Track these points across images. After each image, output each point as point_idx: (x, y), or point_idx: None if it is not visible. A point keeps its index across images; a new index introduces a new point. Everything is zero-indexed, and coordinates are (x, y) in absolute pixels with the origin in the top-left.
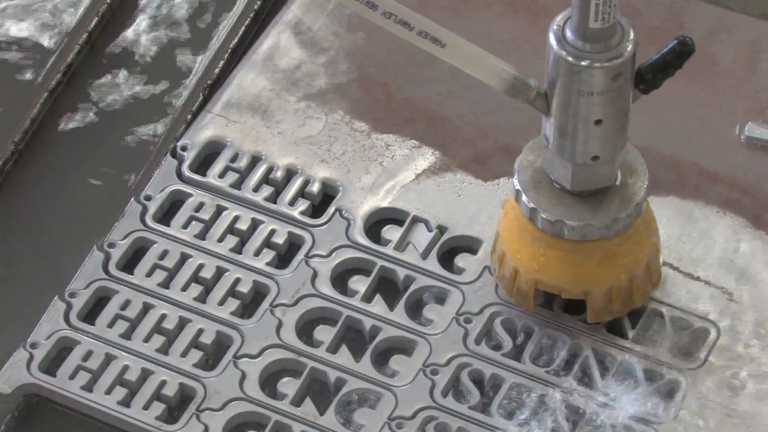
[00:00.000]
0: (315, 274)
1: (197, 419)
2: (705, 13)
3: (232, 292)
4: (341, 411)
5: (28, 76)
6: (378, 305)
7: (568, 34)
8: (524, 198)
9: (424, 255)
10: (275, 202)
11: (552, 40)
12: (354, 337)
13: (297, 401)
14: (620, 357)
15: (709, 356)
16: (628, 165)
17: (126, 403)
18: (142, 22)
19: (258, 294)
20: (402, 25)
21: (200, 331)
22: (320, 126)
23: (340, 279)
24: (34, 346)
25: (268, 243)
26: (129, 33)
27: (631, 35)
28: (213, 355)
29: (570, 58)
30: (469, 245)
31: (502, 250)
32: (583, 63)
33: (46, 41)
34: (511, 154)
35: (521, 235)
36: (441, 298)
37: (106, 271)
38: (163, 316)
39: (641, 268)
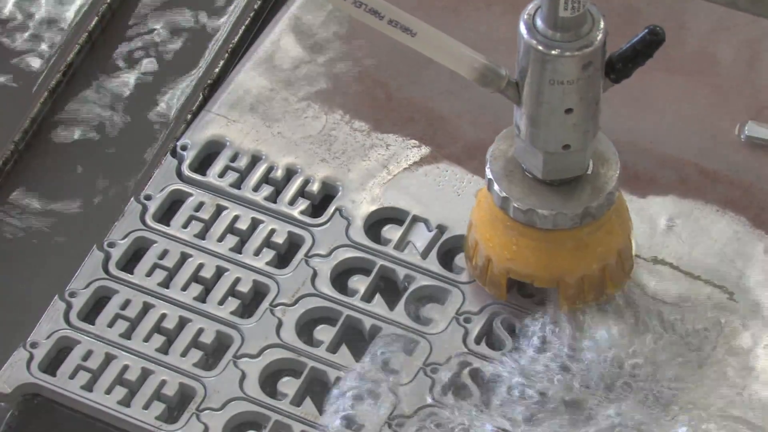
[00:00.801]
0: (315, 274)
1: (197, 419)
2: (705, 12)
3: (232, 292)
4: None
5: (29, 75)
6: (378, 305)
7: (539, 23)
8: (496, 187)
9: (424, 254)
10: (275, 202)
11: (522, 29)
12: (354, 337)
13: (297, 401)
14: (621, 355)
15: (710, 355)
16: (600, 154)
17: (126, 402)
18: (141, 21)
19: (258, 293)
20: (372, 14)
21: (200, 331)
22: (320, 126)
23: (340, 278)
24: (34, 345)
25: (268, 242)
26: (129, 32)
27: (602, 24)
28: (213, 354)
29: (540, 47)
30: None
31: (474, 239)
32: (553, 52)
33: (47, 41)
34: None
35: (493, 224)
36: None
37: (106, 270)
38: (163, 316)
39: (613, 257)
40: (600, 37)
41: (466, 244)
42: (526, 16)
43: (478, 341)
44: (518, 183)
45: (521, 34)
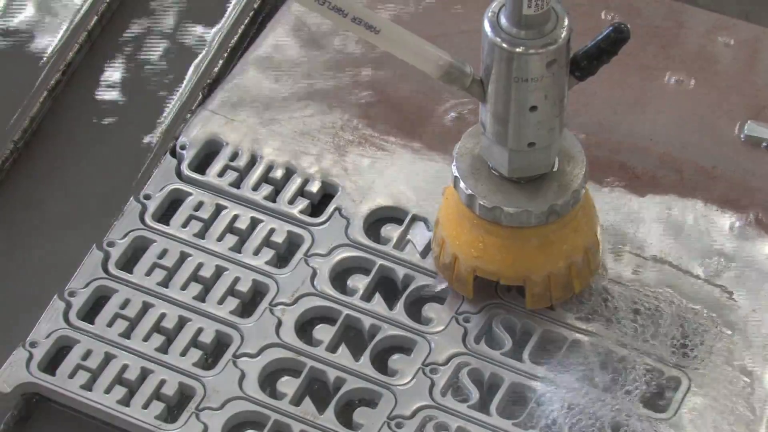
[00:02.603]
0: (314, 273)
1: (196, 418)
2: (705, 11)
3: (231, 291)
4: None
5: (28, 74)
6: (377, 304)
7: (503, 20)
8: (462, 185)
9: (424, 253)
10: (274, 201)
11: (486, 26)
12: (353, 336)
13: (296, 400)
14: (620, 355)
15: (709, 354)
16: (566, 152)
17: (125, 402)
18: (141, 21)
19: (257, 293)
20: (335, 12)
21: (200, 330)
22: (319, 124)
23: (340, 278)
24: (33, 345)
25: (267, 242)
26: (128, 32)
27: (566, 22)
28: (212, 354)
29: (504, 45)
30: None
31: (441, 237)
32: (517, 50)
33: (46, 40)
34: None
35: (460, 222)
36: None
37: (105, 270)
38: (163, 315)
39: (580, 254)
40: (564, 34)
41: (433, 241)
42: (490, 14)
43: (477, 341)
44: (484, 181)
45: (485, 32)
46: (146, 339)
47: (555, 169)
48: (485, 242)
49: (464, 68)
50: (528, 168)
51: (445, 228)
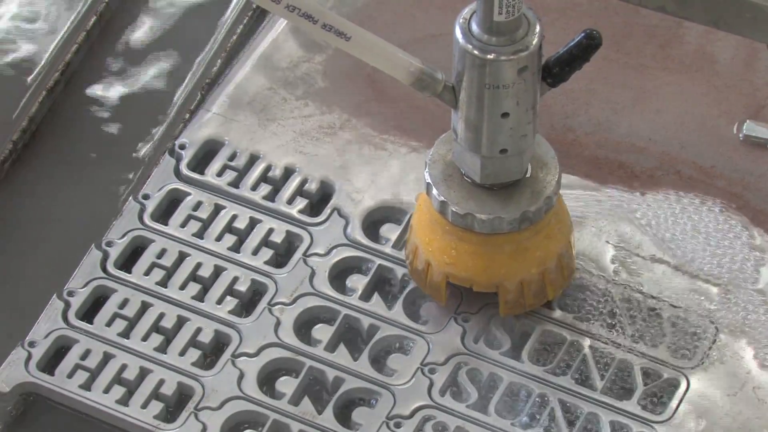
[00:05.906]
0: (313, 273)
1: (195, 418)
2: None
3: (230, 291)
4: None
5: (27, 75)
6: (376, 304)
7: (474, 27)
8: (434, 191)
9: None
10: (273, 201)
11: (458, 33)
12: (352, 336)
13: (295, 400)
14: (619, 356)
15: (708, 354)
16: (538, 158)
17: (124, 401)
18: (140, 21)
19: (256, 293)
20: (306, 19)
21: (198, 330)
22: (318, 124)
23: (339, 278)
24: (32, 344)
25: (266, 242)
26: (127, 32)
27: (537, 28)
28: (211, 353)
29: (476, 52)
30: None
31: (414, 243)
32: (488, 56)
33: (45, 40)
34: None
35: (433, 228)
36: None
37: (104, 269)
38: (162, 315)
39: (553, 261)
40: (536, 41)
41: (406, 248)
42: (461, 20)
43: (476, 341)
44: (457, 187)
45: (456, 39)
46: (145, 339)
47: (528, 176)
48: (458, 249)
49: (435, 75)
50: (500, 174)
51: (417, 234)
